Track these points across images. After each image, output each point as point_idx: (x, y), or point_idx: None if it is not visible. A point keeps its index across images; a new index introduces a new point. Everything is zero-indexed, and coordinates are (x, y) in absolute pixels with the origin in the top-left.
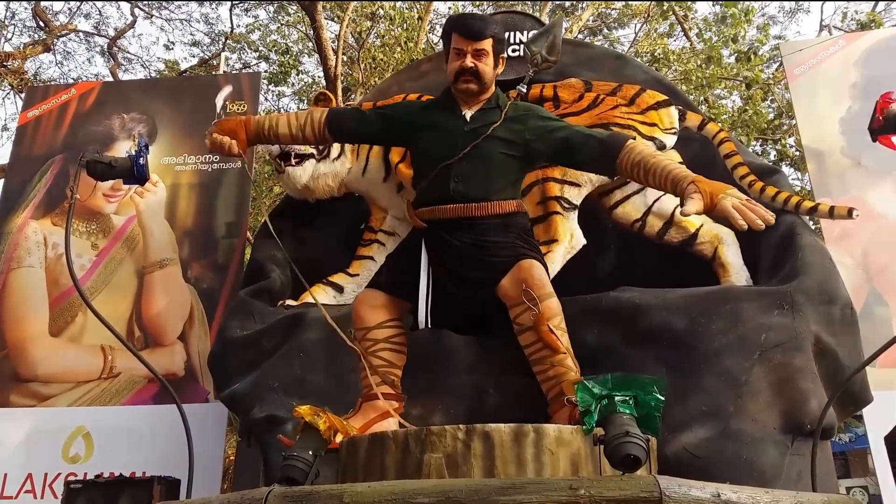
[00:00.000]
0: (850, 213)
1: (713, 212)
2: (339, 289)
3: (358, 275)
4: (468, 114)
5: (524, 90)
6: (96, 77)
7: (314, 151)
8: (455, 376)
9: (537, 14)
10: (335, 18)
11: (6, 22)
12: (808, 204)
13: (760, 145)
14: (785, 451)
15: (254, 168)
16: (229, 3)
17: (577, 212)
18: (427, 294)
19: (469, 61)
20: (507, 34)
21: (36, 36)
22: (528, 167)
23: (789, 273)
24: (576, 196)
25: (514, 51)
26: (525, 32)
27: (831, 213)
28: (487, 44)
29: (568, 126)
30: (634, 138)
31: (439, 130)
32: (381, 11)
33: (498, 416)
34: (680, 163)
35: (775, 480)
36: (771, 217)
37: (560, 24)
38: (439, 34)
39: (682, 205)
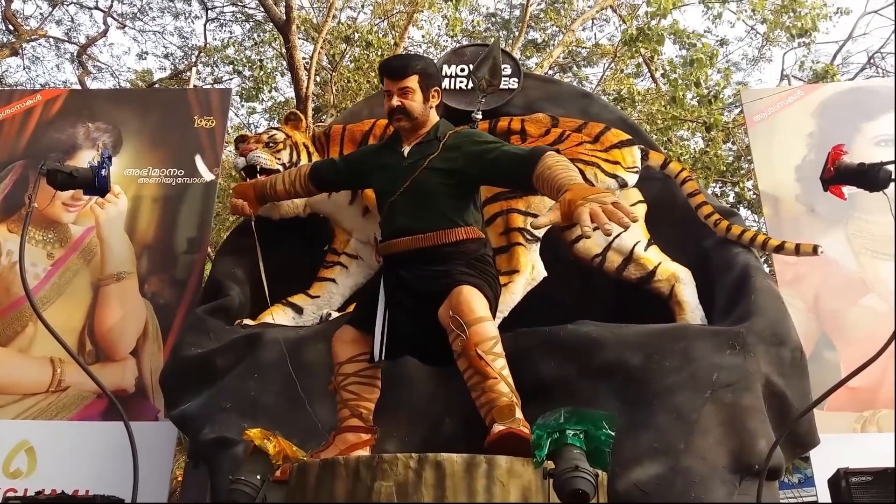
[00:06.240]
0: (815, 251)
1: (571, 220)
2: (298, 310)
3: (319, 296)
4: (406, 150)
5: (478, 117)
6: (64, 84)
7: (280, 168)
8: (412, 404)
9: (509, 48)
10: (310, 39)
11: None
12: (774, 242)
13: (720, 187)
14: (733, 490)
15: (218, 183)
16: (204, 19)
17: (539, 244)
18: (383, 327)
19: (395, 101)
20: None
21: (4, 39)
22: (473, 192)
23: (742, 314)
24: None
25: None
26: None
27: (797, 251)
28: (412, 80)
29: (499, 147)
30: (595, 175)
31: (385, 169)
32: (357, 35)
33: (454, 445)
34: (640, 201)
35: None
36: (628, 221)
37: (497, 47)
38: None
39: None
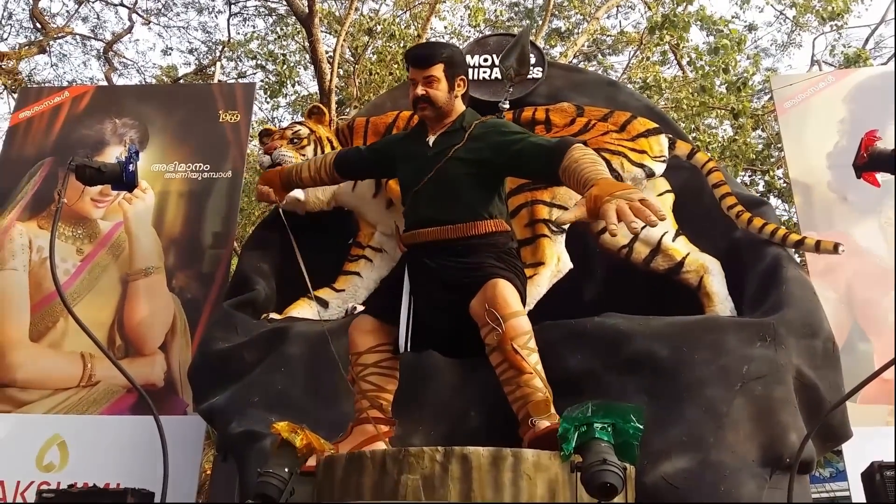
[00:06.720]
0: (835, 248)
1: (598, 216)
2: (324, 304)
3: (343, 290)
4: (431, 139)
5: (505, 107)
6: (91, 81)
7: None
8: (437, 397)
9: (533, 38)
10: (332, 32)
11: (2, 22)
12: (794, 237)
13: (749, 175)
14: (763, 484)
15: (244, 178)
16: (227, 14)
17: (564, 235)
18: (408, 318)
19: (420, 89)
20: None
21: (32, 37)
22: (498, 184)
23: (773, 305)
24: None
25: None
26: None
27: (817, 248)
28: (437, 69)
29: (525, 138)
30: (622, 164)
31: (409, 158)
32: (379, 28)
33: (478, 439)
34: (667, 191)
35: None
36: (655, 219)
37: (526, 35)
38: None
39: None
